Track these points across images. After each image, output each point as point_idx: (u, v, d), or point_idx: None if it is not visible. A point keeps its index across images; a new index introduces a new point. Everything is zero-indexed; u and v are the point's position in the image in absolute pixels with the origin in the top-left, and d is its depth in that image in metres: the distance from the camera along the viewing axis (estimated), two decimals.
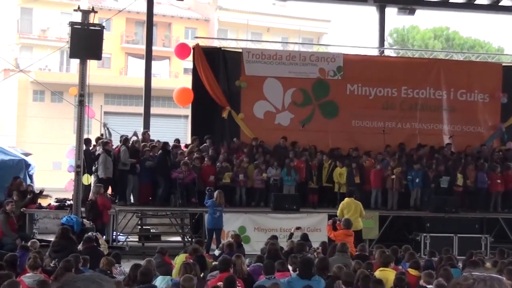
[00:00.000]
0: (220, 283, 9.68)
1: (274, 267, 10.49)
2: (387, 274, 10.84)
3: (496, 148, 23.09)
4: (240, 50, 22.52)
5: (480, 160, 21.46)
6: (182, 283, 8.94)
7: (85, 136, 17.58)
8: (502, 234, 20.05)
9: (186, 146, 21.31)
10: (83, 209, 17.00)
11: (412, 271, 11.12)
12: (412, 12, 25.19)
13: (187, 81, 23.77)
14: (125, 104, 44.07)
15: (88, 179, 18.02)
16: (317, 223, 18.64)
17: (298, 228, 15.93)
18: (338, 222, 15.43)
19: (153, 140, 20.72)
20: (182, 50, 22.09)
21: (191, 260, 10.67)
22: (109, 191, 19.17)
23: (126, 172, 18.97)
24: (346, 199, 17.27)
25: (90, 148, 19.08)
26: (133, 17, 46.31)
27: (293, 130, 22.07)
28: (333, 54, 23.47)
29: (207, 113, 21.73)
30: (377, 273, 10.80)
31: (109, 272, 10.18)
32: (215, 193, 17.13)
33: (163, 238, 19.94)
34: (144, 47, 24.13)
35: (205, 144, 20.80)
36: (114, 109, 40.55)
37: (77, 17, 17.38)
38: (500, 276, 2.75)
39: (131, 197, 19.22)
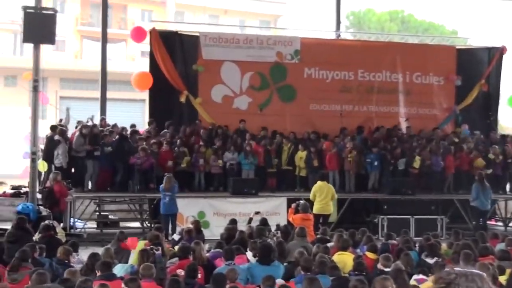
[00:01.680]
0: (179, 271, 9.68)
1: (234, 252, 10.52)
2: (345, 258, 10.97)
3: (451, 131, 23.44)
4: (197, 34, 22.35)
5: (433, 142, 21.74)
6: (141, 272, 8.91)
7: (40, 122, 17.36)
8: (457, 214, 20.42)
9: (147, 132, 21.05)
10: (40, 196, 16.79)
11: (370, 255, 11.25)
12: None
13: (144, 65, 23.46)
14: (81, 89, 43.47)
15: (44, 166, 17.78)
16: (276, 207, 18.72)
17: (257, 213, 15.98)
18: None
19: (110, 125, 20.52)
20: (138, 34, 21.83)
21: (149, 247, 10.63)
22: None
23: (82, 159, 18.75)
24: (318, 182, 17.43)
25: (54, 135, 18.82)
26: None
27: (251, 114, 22.05)
28: (290, 37, 23.43)
29: (164, 97, 21.55)
30: (335, 257, 10.91)
31: (66, 261, 10.09)
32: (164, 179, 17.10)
33: (122, 224, 19.79)
34: (100, 29, 23.73)
35: (165, 130, 20.62)
36: (70, 94, 39.96)
37: (31, 1, 17.07)
38: (481, 272, 2.84)
39: (89, 184, 19.02)
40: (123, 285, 7.97)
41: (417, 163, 20.86)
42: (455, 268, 2.86)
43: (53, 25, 16.47)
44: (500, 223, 21.98)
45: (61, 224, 15.97)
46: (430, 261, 11.27)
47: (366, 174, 20.78)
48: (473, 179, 19.36)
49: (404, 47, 24.43)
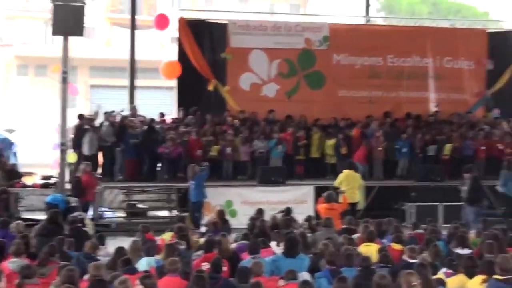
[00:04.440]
0: (204, 264, 9.71)
1: (259, 246, 10.51)
2: (371, 250, 10.87)
3: (482, 116, 23.13)
4: (226, 22, 22.33)
5: (464, 127, 21.47)
6: (167, 266, 8.98)
7: (68, 111, 17.53)
8: (487, 201, 20.11)
9: (174, 120, 21.12)
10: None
11: (395, 246, 11.15)
12: None
13: (173, 51, 23.45)
14: (111, 77, 43.62)
15: (74, 157, 17.95)
16: (303, 195, 18.73)
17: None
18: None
19: (140, 116, 20.58)
20: (161, 21, 21.42)
21: (175, 240, 10.69)
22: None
23: (111, 148, 18.92)
24: (345, 171, 17.37)
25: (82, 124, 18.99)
26: None
27: (279, 101, 22.02)
28: (318, 23, 23.28)
29: (193, 85, 21.60)
30: (361, 249, 10.85)
31: (93, 255, 10.18)
32: None
33: (150, 213, 19.90)
34: (129, 16, 23.72)
35: (190, 116, 20.66)
36: (99, 82, 40.18)
37: None
38: None
39: (118, 173, 19.18)
40: (138, 281, 7.96)
41: (447, 150, 20.62)
42: None
43: (82, 17, 16.62)
44: None
45: (90, 215, 16.12)
46: (460, 251, 11.13)
47: (395, 161, 20.60)
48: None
49: (434, 31, 24.19)
